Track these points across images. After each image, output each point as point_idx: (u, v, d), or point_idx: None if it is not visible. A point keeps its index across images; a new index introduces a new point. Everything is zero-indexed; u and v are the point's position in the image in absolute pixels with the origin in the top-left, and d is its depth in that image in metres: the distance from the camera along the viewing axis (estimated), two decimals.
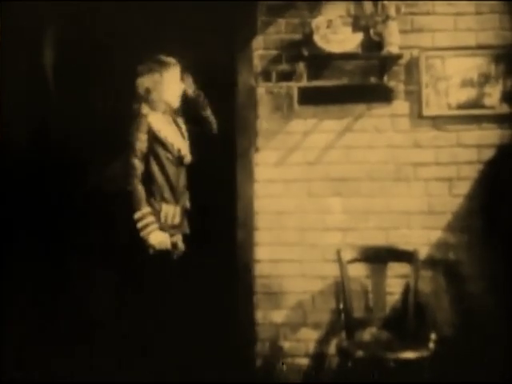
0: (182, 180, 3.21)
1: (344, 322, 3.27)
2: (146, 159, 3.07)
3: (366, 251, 3.40)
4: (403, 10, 3.42)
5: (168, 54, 3.12)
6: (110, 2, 3.50)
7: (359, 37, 3.40)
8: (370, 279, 3.40)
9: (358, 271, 3.41)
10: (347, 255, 3.36)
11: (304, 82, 3.48)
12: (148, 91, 3.11)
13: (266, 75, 3.53)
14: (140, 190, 3.02)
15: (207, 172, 3.56)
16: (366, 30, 3.45)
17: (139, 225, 3.01)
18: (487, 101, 3.47)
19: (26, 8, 3.47)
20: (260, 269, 3.52)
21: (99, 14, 3.56)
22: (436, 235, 3.48)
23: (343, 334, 3.23)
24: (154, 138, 3.09)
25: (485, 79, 3.46)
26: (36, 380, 3.34)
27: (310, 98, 3.50)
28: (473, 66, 3.46)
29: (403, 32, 3.44)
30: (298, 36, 3.50)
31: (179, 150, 3.18)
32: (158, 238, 3.04)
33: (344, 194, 3.50)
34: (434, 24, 3.48)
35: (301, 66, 3.48)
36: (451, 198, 3.50)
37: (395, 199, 3.51)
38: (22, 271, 3.57)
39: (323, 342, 3.50)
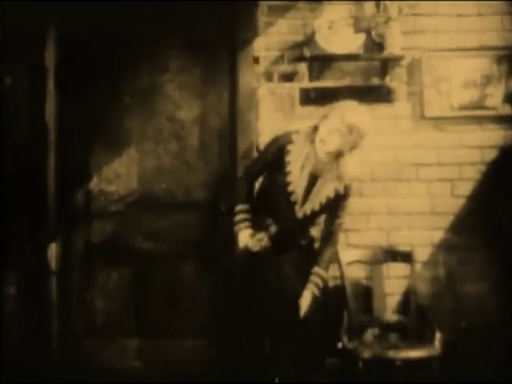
0: None
1: (346, 323, 3.26)
2: None
3: (366, 252, 3.41)
4: (405, 10, 3.42)
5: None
6: (110, 1, 3.49)
7: (361, 38, 3.41)
8: (370, 280, 3.41)
9: (359, 272, 3.42)
10: (348, 256, 3.37)
11: (306, 83, 3.47)
12: None
13: (267, 76, 3.52)
14: None
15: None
16: (367, 30, 3.45)
17: None
18: (489, 102, 3.47)
19: (26, 8, 3.46)
20: None
21: (100, 15, 3.54)
22: (438, 236, 3.49)
23: (345, 336, 3.21)
24: None
25: (487, 80, 3.47)
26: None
27: (312, 98, 3.49)
28: (475, 67, 3.47)
29: (405, 33, 3.44)
30: (299, 37, 3.50)
31: None
32: None
33: None
34: (436, 25, 3.49)
35: (303, 67, 3.48)
36: (453, 198, 3.50)
37: (397, 200, 3.51)
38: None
39: None
